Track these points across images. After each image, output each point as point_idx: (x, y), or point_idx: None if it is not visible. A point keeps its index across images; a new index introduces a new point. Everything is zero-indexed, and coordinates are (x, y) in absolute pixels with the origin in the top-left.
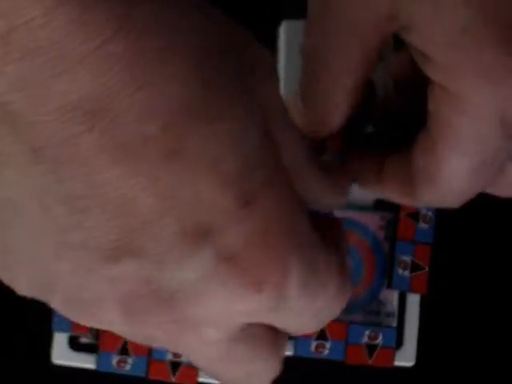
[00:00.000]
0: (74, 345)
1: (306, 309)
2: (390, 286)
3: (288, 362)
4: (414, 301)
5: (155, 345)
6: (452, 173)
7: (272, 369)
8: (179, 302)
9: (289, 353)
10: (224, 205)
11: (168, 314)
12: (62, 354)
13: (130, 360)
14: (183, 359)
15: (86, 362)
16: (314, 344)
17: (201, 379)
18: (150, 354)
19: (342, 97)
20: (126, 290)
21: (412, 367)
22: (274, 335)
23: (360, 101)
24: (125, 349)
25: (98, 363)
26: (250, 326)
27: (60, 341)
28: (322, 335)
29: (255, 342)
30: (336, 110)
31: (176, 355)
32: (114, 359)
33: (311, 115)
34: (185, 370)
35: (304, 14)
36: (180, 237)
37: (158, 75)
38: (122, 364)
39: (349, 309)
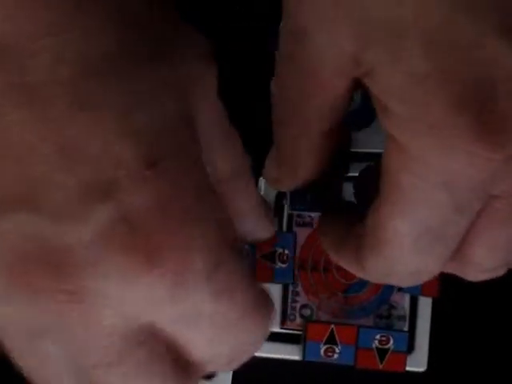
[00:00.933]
0: None
1: (212, 314)
2: (401, 289)
3: (296, 367)
4: (425, 304)
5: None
6: (396, 235)
7: None
8: (74, 268)
9: (297, 357)
10: (130, 161)
11: (61, 281)
12: None
13: None
14: None
15: None
16: (323, 348)
17: None
18: None
19: (309, 145)
20: (17, 245)
21: (424, 372)
22: (177, 364)
23: (332, 149)
24: None
25: None
26: (151, 337)
27: None
28: (331, 339)
29: (153, 361)
30: (305, 159)
31: None
32: None
33: (282, 162)
34: None
35: None
36: (79, 191)
37: (69, 22)
38: None
39: (359, 312)
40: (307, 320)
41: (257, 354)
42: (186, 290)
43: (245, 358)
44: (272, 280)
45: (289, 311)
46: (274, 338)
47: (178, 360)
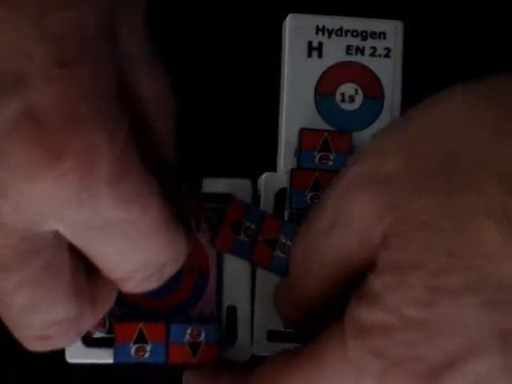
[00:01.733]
0: (88, 341)
1: (121, 222)
2: None
3: None
4: None
5: None
6: None
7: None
8: None
9: None
10: (41, 58)
11: None
12: (76, 353)
13: (148, 347)
14: (202, 339)
15: (102, 357)
16: None
17: None
18: (167, 339)
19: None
20: None
21: None
22: (79, 280)
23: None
24: (141, 336)
25: (115, 355)
26: (54, 248)
27: None
28: None
29: (53, 273)
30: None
31: (193, 336)
32: (132, 348)
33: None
34: (205, 349)
35: (310, 8)
36: None
37: None
38: (141, 352)
39: None
40: None
41: (258, 353)
42: (88, 192)
43: (159, 280)
44: (269, 266)
45: None
46: (275, 337)
47: (81, 275)
